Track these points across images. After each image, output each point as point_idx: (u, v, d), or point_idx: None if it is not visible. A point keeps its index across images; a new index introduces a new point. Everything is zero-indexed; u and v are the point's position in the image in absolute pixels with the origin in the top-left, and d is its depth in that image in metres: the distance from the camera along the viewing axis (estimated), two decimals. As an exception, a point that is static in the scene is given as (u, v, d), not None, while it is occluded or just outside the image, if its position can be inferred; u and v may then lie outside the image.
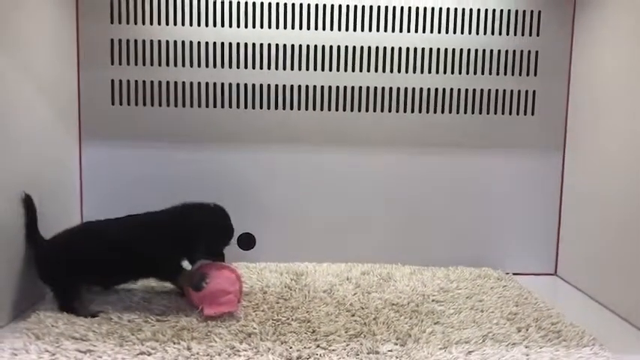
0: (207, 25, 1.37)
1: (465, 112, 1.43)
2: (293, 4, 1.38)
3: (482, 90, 1.42)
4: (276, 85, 1.40)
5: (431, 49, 1.41)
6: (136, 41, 1.37)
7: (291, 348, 0.94)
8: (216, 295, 1.07)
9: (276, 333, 1.00)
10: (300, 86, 1.41)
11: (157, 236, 1.13)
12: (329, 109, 1.42)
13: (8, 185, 1.03)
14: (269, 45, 1.39)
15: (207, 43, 1.38)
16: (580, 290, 1.35)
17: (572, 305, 1.24)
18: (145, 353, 0.91)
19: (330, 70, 1.40)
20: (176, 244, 1.13)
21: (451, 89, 1.42)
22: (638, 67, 1.14)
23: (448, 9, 1.39)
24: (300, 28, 1.39)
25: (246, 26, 1.38)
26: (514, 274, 1.43)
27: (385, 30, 1.40)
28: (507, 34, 1.41)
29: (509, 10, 1.40)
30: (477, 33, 1.41)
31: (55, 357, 0.88)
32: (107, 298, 1.15)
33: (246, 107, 1.41)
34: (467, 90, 1.42)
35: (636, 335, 1.09)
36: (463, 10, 1.40)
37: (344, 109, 1.42)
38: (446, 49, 1.41)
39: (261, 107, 1.41)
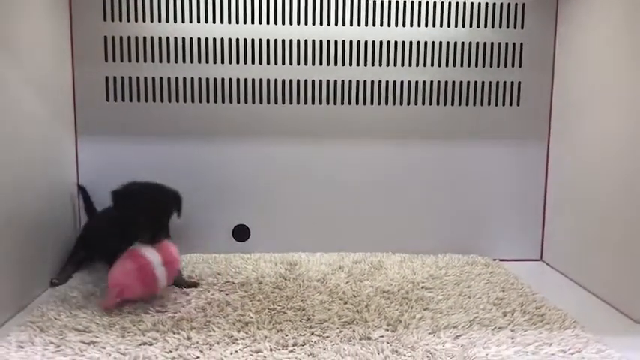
0: (199, 21, 1.40)
1: (452, 104, 1.46)
2: (283, 0, 1.40)
3: (468, 82, 1.45)
4: (268, 80, 1.43)
5: (418, 43, 1.44)
6: (129, 38, 1.39)
7: (287, 335, 0.97)
8: (109, 288, 1.10)
9: (272, 321, 1.04)
10: (291, 80, 1.43)
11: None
12: (320, 103, 1.45)
13: (6, 182, 1.06)
14: (260, 40, 1.41)
15: (199, 39, 1.40)
16: (564, 275, 1.39)
17: (556, 289, 1.29)
18: (147, 343, 0.94)
19: (321, 64, 1.43)
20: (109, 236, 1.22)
21: (438, 82, 1.45)
22: (621, 58, 1.18)
23: (435, 3, 1.42)
24: (291, 23, 1.41)
25: (237, 22, 1.40)
26: (501, 260, 1.48)
27: (374, 24, 1.42)
28: (492, 26, 1.44)
29: (494, 4, 1.43)
30: (463, 26, 1.44)
31: (61, 348, 0.92)
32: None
33: (238, 102, 1.43)
34: (453, 82, 1.45)
35: (616, 317, 1.14)
36: (449, 3, 1.42)
37: (334, 103, 1.45)
38: (433, 43, 1.44)
39: (253, 102, 1.43)
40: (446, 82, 1.45)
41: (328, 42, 1.42)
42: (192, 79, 1.42)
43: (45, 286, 1.22)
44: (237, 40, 1.41)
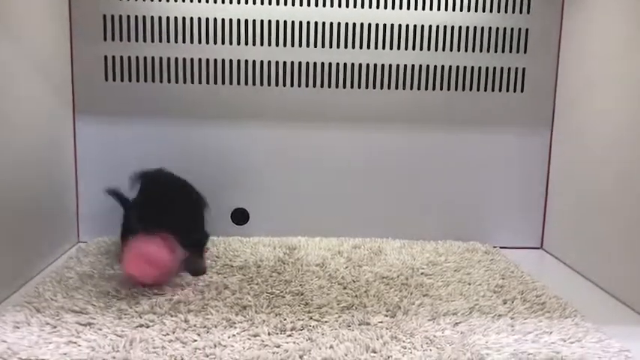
0: (200, 1, 1.37)
1: (456, 89, 1.45)
2: (285, -20, 1.39)
3: (472, 67, 1.44)
4: (269, 62, 1.41)
5: (422, 26, 1.42)
6: (128, 17, 1.37)
7: (285, 320, 0.97)
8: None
9: (270, 305, 1.03)
10: (292, 62, 1.41)
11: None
12: (321, 86, 1.43)
13: (3, 162, 1.05)
14: (262, 21, 1.39)
15: (199, 18, 1.38)
16: (565, 264, 1.39)
17: (556, 278, 1.28)
18: (144, 325, 0.93)
19: (323, 46, 1.41)
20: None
21: (442, 66, 1.43)
22: (627, 45, 1.16)
23: (440, -14, 1.40)
24: (293, 4, 1.39)
25: (238, 2, 1.38)
26: (501, 247, 1.47)
27: (377, 7, 1.40)
28: (498, 11, 1.42)
29: (500, -12, 1.41)
30: (468, 10, 1.41)
31: (57, 330, 0.91)
32: (104, 274, 1.17)
33: (239, 84, 1.42)
34: (457, 67, 1.44)
35: (617, 306, 1.13)
36: (455, -14, 1.40)
37: (336, 86, 1.43)
38: (437, 26, 1.42)
39: (254, 84, 1.42)
40: (449, 67, 1.44)
41: (330, 24, 1.40)
42: (192, 59, 1.40)
43: (41, 266, 1.21)
44: (239, 20, 1.39)
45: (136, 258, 1.06)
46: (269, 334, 0.92)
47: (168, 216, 1.11)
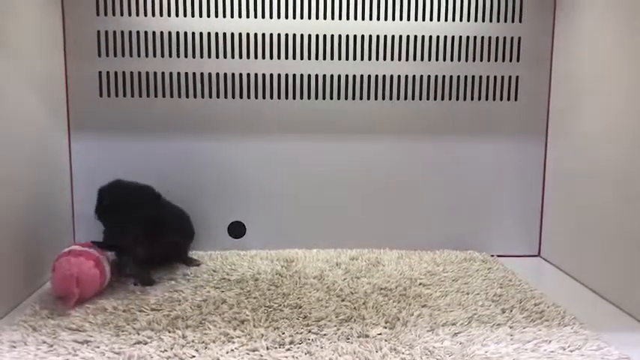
0: (193, 15, 1.38)
1: (450, 99, 1.45)
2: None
3: (466, 76, 1.44)
4: (263, 75, 1.41)
5: (415, 37, 1.42)
6: (122, 32, 1.38)
7: (283, 334, 0.96)
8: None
9: (268, 319, 1.03)
10: (287, 75, 1.42)
11: None
12: (316, 98, 1.43)
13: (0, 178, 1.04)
14: (255, 35, 1.40)
15: (193, 33, 1.39)
16: (563, 271, 1.39)
17: (554, 286, 1.28)
18: (142, 342, 0.93)
19: (317, 59, 1.42)
20: None
21: (435, 76, 1.44)
22: (618, 52, 1.17)
23: (432, -4, 1.41)
24: (287, 17, 1.40)
25: (232, 16, 1.39)
26: (499, 256, 1.47)
27: (370, 18, 1.41)
28: (490, 20, 1.43)
29: (491, -3, 1.42)
30: (461, 20, 1.42)
31: (54, 348, 0.90)
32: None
33: (233, 97, 1.42)
34: (451, 77, 1.44)
35: (616, 313, 1.13)
36: (447, -3, 1.41)
37: (331, 98, 1.43)
38: (430, 37, 1.42)
39: (248, 97, 1.42)
40: (443, 77, 1.44)
41: (324, 36, 1.41)
42: (186, 74, 1.40)
43: (37, 284, 1.20)
44: (232, 34, 1.40)
45: (64, 280, 1.07)
46: (267, 348, 0.91)
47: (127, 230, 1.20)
